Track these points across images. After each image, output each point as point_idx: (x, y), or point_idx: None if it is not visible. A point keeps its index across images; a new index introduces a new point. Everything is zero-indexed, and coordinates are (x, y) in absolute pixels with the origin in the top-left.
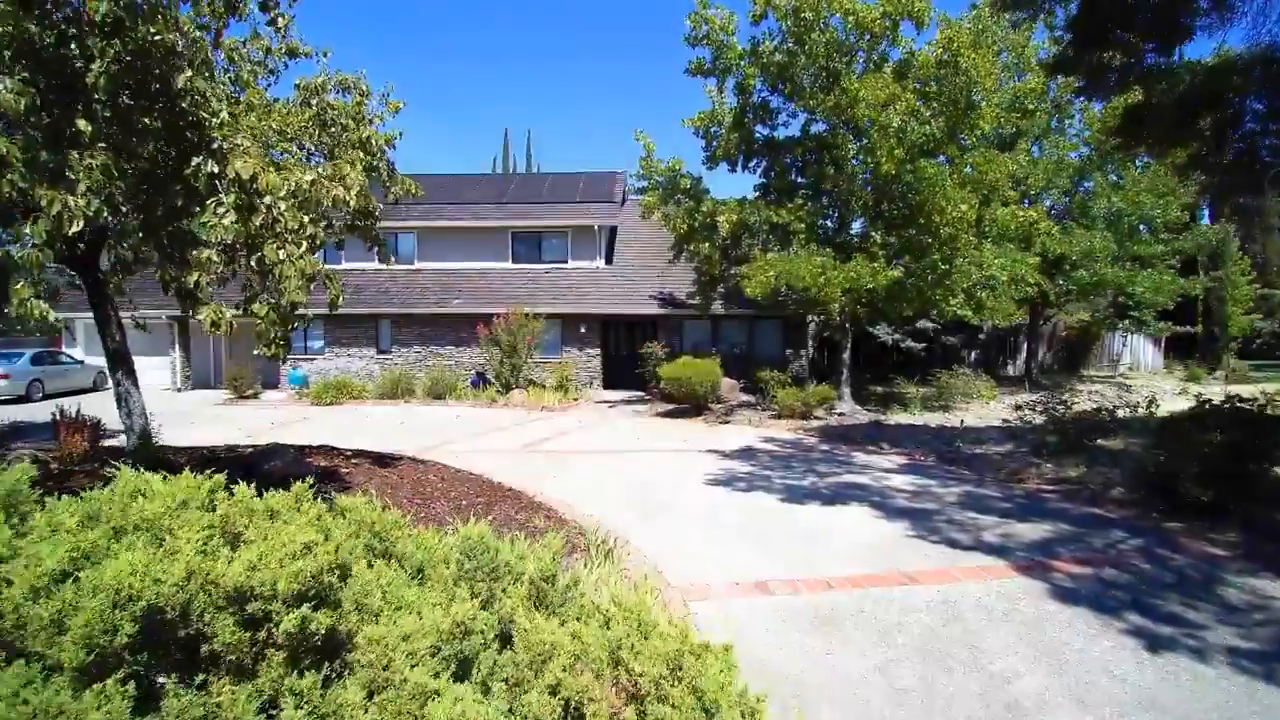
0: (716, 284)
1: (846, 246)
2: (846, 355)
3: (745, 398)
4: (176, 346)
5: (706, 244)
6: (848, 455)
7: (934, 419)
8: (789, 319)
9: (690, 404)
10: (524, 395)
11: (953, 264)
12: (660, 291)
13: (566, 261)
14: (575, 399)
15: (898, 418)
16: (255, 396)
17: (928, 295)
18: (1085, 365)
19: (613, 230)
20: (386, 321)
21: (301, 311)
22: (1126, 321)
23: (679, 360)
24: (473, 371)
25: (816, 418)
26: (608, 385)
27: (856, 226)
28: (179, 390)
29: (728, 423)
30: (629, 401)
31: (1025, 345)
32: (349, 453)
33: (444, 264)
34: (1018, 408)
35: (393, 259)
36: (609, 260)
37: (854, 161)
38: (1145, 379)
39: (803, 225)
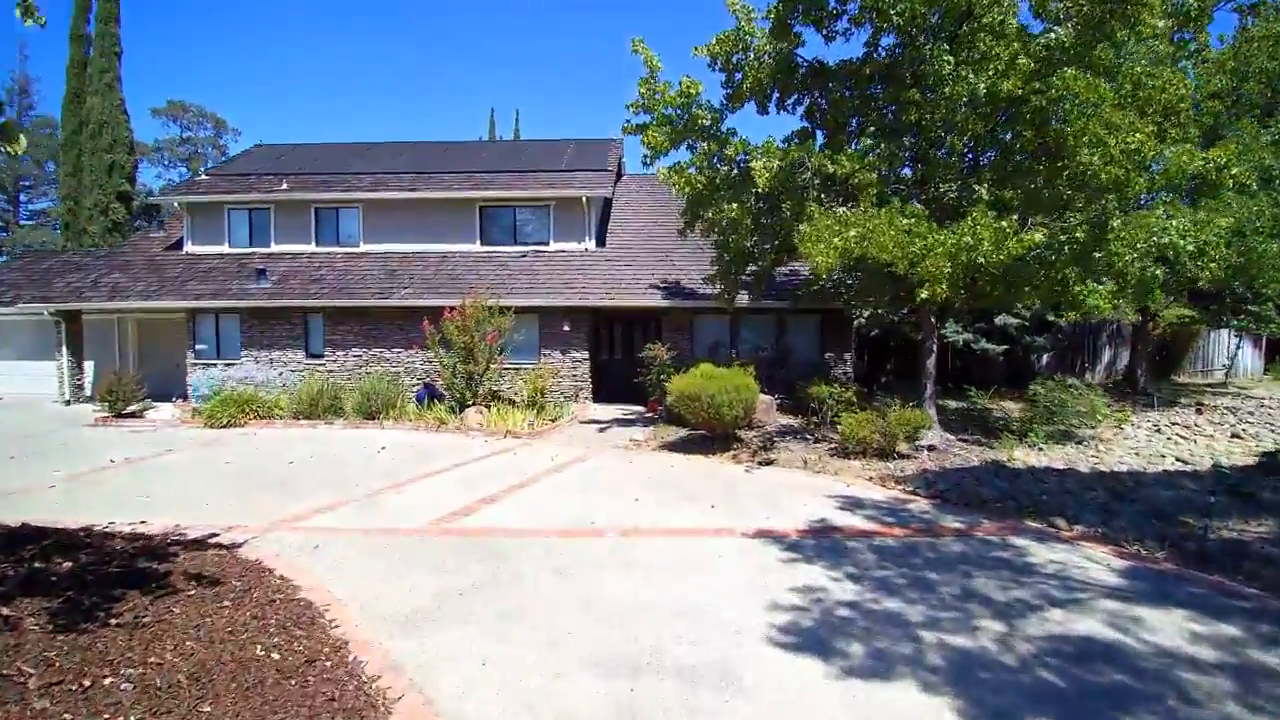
0: (744, 264)
1: (939, 205)
2: (931, 362)
3: (786, 420)
4: (63, 349)
5: (734, 206)
6: (1009, 547)
7: (1070, 455)
8: (829, 314)
9: (713, 431)
10: (483, 416)
11: (1108, 228)
12: (666, 280)
13: (548, 243)
14: (554, 419)
15: (1017, 454)
16: (139, 414)
17: (1064, 274)
18: (1178, 371)
19: (606, 204)
20: (318, 317)
21: None
22: (1242, 318)
23: (696, 370)
24: (420, 384)
25: (900, 454)
26: (599, 397)
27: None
28: (68, 403)
29: (770, 462)
30: (625, 422)
31: (1109, 347)
32: (84, 551)
33: (396, 245)
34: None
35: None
36: (601, 241)
37: (949, 84)
38: (1263, 387)
39: (872, 176)
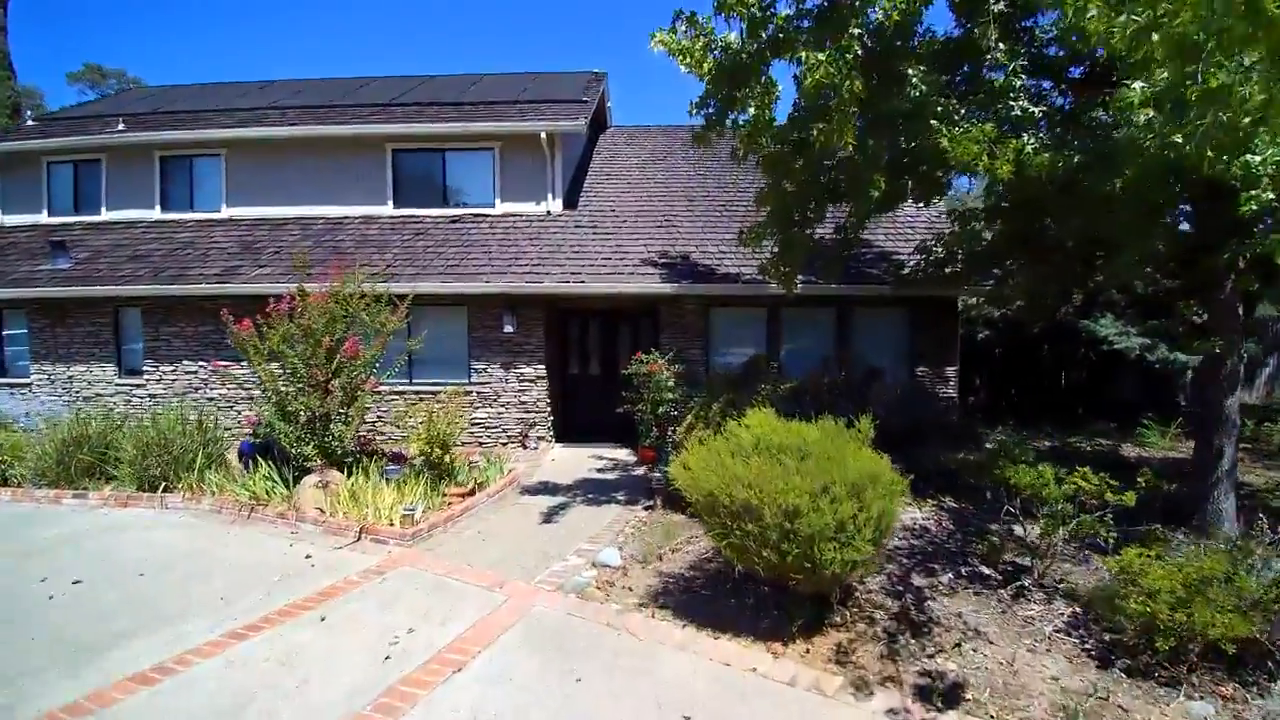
0: (821, 206)
1: None
2: (1233, 402)
3: (911, 513)
4: None
5: (821, 59)
6: None
7: None
8: (925, 305)
9: (784, 581)
10: (329, 495)
11: None
12: (667, 254)
13: (492, 203)
14: (470, 489)
15: None
16: None
17: None
18: None
19: (585, 150)
20: (134, 313)
21: None
22: None
23: (740, 429)
24: (245, 433)
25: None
26: (566, 433)
27: None
28: None
29: (953, 696)
30: (599, 489)
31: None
32: None
33: (272, 209)
34: None
35: None
36: (571, 202)
37: None
38: None
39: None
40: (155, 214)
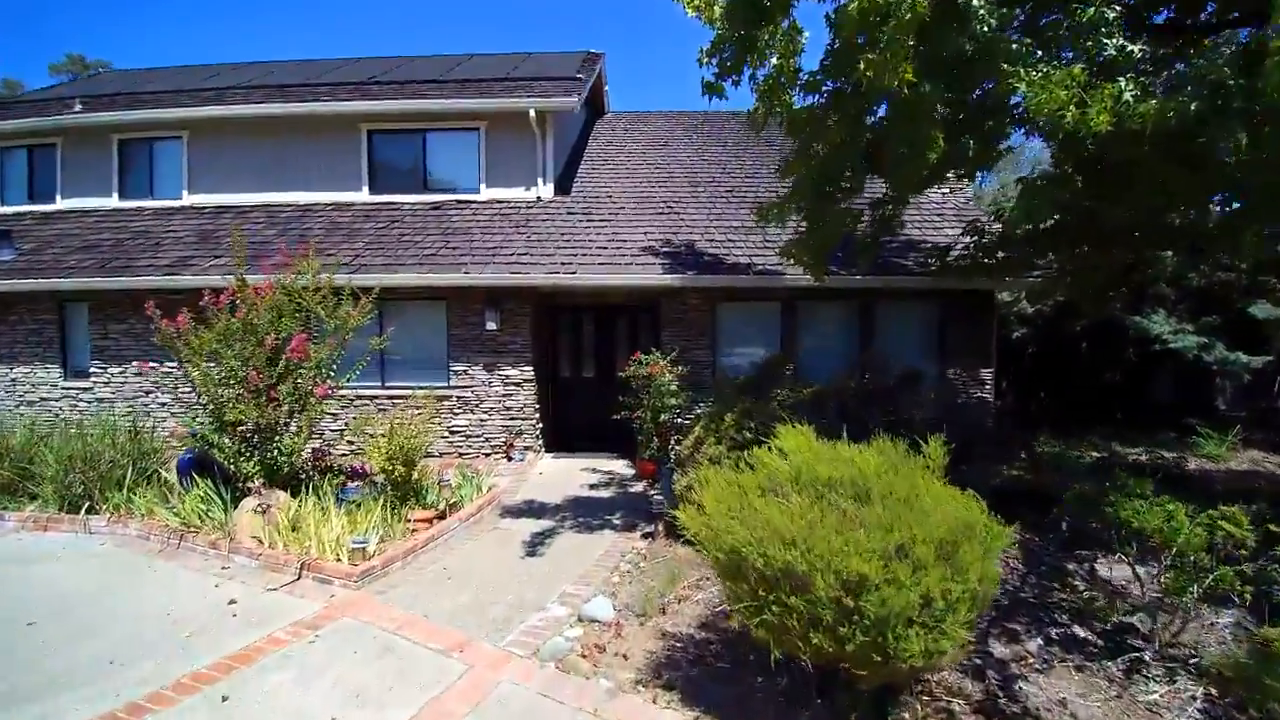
0: (840, 200)
1: None
2: None
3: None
4: None
5: (879, 55)
6: None
7: None
8: (958, 299)
9: (836, 667)
10: (271, 520)
11: None
12: (670, 242)
13: (476, 189)
14: (441, 511)
15: None
16: None
17: None
18: None
19: (580, 136)
20: (81, 309)
21: None
22: None
23: (785, 449)
24: (185, 448)
25: None
26: (556, 441)
27: None
28: None
29: None
30: (588, 510)
31: None
32: None
33: (237, 195)
34: None
35: None
36: (564, 188)
37: None
38: None
39: None
40: (113, 202)
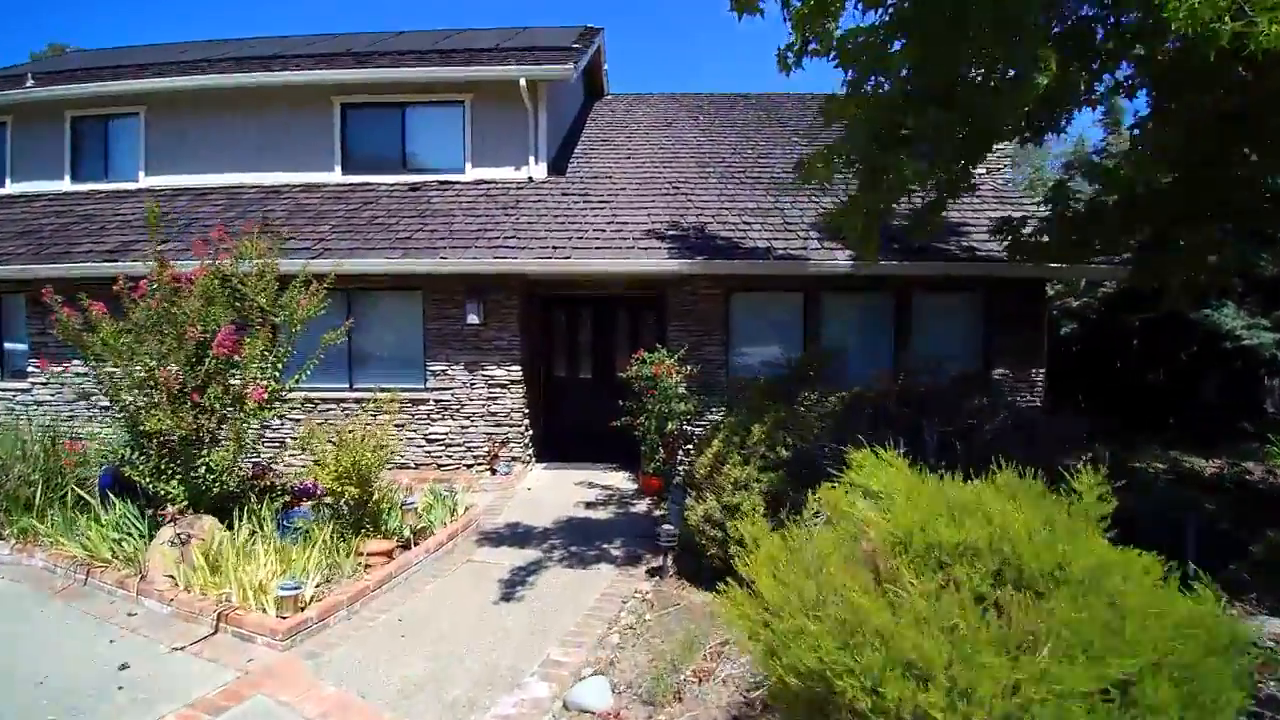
0: (878, 178)
1: None
2: None
3: None
4: None
5: None
6: None
7: None
8: (1003, 289)
9: None
10: (184, 558)
11: None
12: (678, 225)
13: (461, 168)
14: (414, 533)
15: None
16: None
17: None
18: None
19: (577, 117)
20: (18, 301)
21: None
22: None
23: (877, 490)
24: (108, 461)
25: None
26: (548, 450)
27: None
28: None
29: None
30: (580, 539)
31: None
32: None
33: (198, 177)
34: None
35: None
36: (559, 168)
37: None
38: None
39: None
40: (65, 185)
